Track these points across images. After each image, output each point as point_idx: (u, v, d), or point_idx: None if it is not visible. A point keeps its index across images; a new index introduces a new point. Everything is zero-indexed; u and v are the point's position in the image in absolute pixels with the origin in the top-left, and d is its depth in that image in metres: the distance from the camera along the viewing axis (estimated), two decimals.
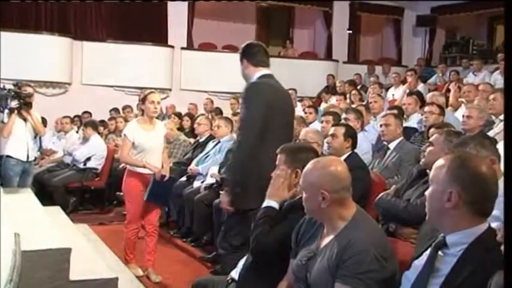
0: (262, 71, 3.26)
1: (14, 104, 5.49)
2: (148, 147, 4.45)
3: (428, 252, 1.74)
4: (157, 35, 11.26)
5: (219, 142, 6.13)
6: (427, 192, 1.76)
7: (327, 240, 2.12)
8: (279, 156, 2.66)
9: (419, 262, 1.76)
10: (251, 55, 3.28)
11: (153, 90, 4.65)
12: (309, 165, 2.20)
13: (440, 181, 1.70)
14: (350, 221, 2.08)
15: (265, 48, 3.37)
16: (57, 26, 10.63)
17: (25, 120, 5.64)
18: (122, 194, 4.96)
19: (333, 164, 2.16)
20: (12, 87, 5.65)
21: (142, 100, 4.47)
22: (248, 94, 3.17)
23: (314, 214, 2.20)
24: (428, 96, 6.51)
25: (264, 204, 2.58)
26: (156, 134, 4.51)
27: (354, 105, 7.80)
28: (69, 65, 10.52)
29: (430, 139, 3.26)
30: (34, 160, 7.69)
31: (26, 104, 5.56)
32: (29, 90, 5.78)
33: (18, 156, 5.63)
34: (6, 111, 5.52)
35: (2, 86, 5.73)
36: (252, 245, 2.53)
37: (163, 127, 4.72)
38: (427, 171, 3.06)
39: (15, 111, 5.51)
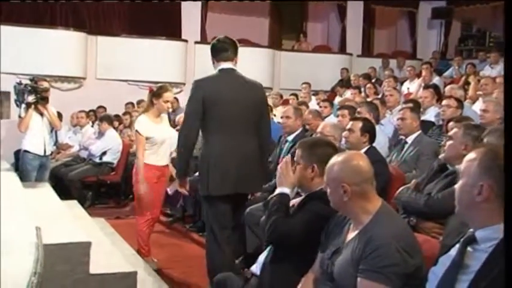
0: (222, 65, 3.50)
1: (31, 98, 5.52)
2: (161, 140, 4.50)
3: (456, 247, 1.71)
4: (171, 30, 11.26)
5: None
6: (457, 186, 1.73)
7: (352, 234, 2.12)
8: (296, 151, 2.68)
9: (447, 258, 1.73)
10: (214, 51, 3.54)
11: (167, 86, 4.63)
12: (331, 160, 2.22)
13: (471, 174, 1.67)
14: (374, 215, 2.07)
15: (231, 43, 3.54)
16: (72, 21, 10.68)
17: (41, 114, 5.69)
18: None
19: (354, 157, 2.18)
20: (28, 82, 5.70)
21: (157, 95, 4.47)
22: (190, 92, 3.54)
23: (339, 208, 2.21)
24: (446, 89, 6.45)
25: (277, 191, 2.59)
26: (163, 126, 4.55)
27: (369, 99, 7.77)
28: (84, 59, 10.56)
29: (450, 133, 3.23)
30: (50, 154, 7.87)
31: (42, 98, 5.60)
32: (45, 85, 5.83)
33: (35, 151, 5.69)
34: (23, 106, 5.57)
35: (18, 81, 5.79)
36: (268, 233, 2.53)
37: (167, 119, 4.76)
38: (448, 165, 3.04)
39: (32, 106, 5.54)
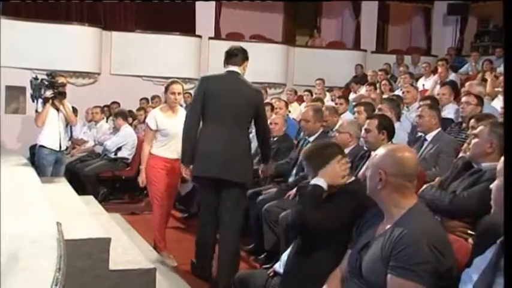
0: (229, 68, 3.98)
1: (48, 93, 5.52)
2: (173, 132, 4.53)
3: (492, 249, 1.67)
4: (185, 25, 11.24)
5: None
6: (493, 185, 1.69)
7: (383, 228, 2.09)
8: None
9: (483, 260, 1.69)
10: (226, 55, 4.02)
11: (176, 80, 4.79)
12: (379, 148, 2.22)
13: None
14: (407, 211, 2.04)
15: (242, 51, 4.03)
16: (87, 17, 10.72)
17: (58, 110, 5.69)
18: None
19: (401, 150, 2.16)
20: (44, 77, 5.71)
21: (165, 89, 4.66)
22: (196, 86, 4.12)
23: (372, 195, 2.19)
24: (466, 86, 6.37)
25: (313, 181, 2.55)
26: (179, 120, 4.50)
27: (384, 96, 7.71)
28: (99, 55, 10.60)
29: (475, 131, 3.17)
30: (66, 149, 7.91)
31: (60, 93, 5.60)
32: (62, 80, 5.85)
33: (51, 146, 5.70)
34: (40, 100, 5.58)
35: (34, 76, 5.80)
36: (294, 222, 2.53)
37: (183, 113, 4.70)
38: (473, 163, 2.99)
39: (50, 101, 5.55)
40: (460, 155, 3.43)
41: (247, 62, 4.01)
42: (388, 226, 2.06)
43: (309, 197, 2.49)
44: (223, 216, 3.99)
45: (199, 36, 11.32)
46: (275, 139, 5.55)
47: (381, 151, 2.17)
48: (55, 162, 5.77)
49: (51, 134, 5.69)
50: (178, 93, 4.61)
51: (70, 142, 8.48)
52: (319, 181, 2.52)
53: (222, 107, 3.86)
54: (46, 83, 5.56)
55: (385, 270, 1.94)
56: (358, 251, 2.15)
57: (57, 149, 5.75)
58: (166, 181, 4.63)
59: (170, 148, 4.61)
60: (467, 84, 6.50)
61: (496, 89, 6.78)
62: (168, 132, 4.59)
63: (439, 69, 8.83)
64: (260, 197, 4.74)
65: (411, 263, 1.88)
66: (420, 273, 1.86)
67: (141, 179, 4.71)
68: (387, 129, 3.92)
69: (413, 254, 1.88)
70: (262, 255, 4.56)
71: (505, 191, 1.48)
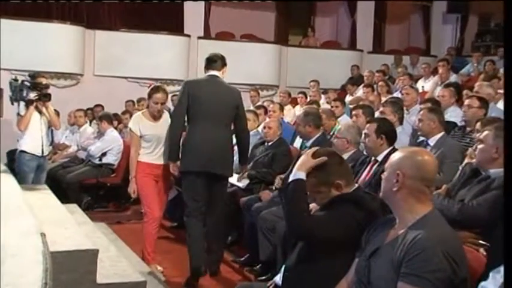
0: (210, 72, 4.51)
1: (33, 95, 5.48)
2: (157, 137, 4.58)
3: None
4: (173, 24, 11.25)
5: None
6: None
7: (394, 235, 2.08)
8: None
9: (500, 273, 1.68)
10: (206, 61, 4.54)
11: (159, 86, 4.78)
12: (401, 149, 2.24)
13: None
14: (422, 217, 2.04)
15: (221, 57, 4.56)
16: (69, 14, 10.66)
17: (40, 112, 5.64)
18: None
19: (421, 153, 2.17)
20: (25, 78, 5.66)
21: (148, 96, 4.65)
22: (180, 89, 4.62)
23: (386, 197, 2.19)
24: (476, 86, 6.39)
25: (292, 176, 2.45)
26: (163, 124, 4.60)
27: (383, 98, 7.73)
28: (81, 55, 10.54)
29: (480, 136, 3.17)
30: (47, 155, 7.84)
31: (45, 95, 5.55)
32: (44, 81, 5.79)
33: (32, 151, 5.63)
34: (23, 103, 5.52)
35: (14, 77, 5.74)
36: (290, 228, 2.51)
37: (168, 117, 4.73)
38: (481, 170, 3.00)
39: (34, 104, 5.50)
40: (466, 160, 3.43)
41: (226, 67, 4.57)
42: (401, 232, 2.05)
43: (296, 196, 2.40)
44: (215, 207, 4.48)
45: (188, 36, 11.30)
46: (270, 144, 5.54)
47: (400, 153, 2.18)
48: (37, 169, 5.70)
49: (33, 139, 5.62)
50: (162, 103, 4.62)
51: (51, 147, 8.48)
52: (298, 174, 2.43)
53: (206, 108, 4.37)
54: (28, 84, 5.51)
55: (396, 278, 1.93)
56: (367, 259, 2.14)
57: (39, 155, 5.69)
58: (151, 186, 4.64)
59: (156, 154, 4.63)
60: (476, 84, 6.51)
61: (499, 91, 6.82)
62: (151, 138, 4.61)
63: (440, 70, 8.86)
64: (255, 205, 4.71)
65: (425, 270, 1.86)
66: (434, 282, 1.85)
67: (132, 189, 4.67)
68: (386, 133, 3.92)
69: (428, 260, 1.87)
70: (257, 266, 4.54)
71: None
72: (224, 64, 4.56)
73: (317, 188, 2.50)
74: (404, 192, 2.08)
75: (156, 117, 4.64)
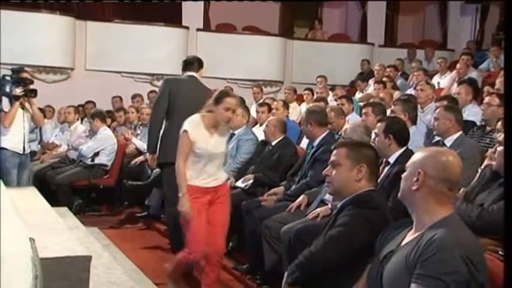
0: (188, 73, 5.23)
1: (19, 91, 5.57)
2: (209, 154, 4.05)
3: None
4: (170, 15, 11.26)
5: (233, 135, 6.07)
6: None
7: (410, 237, 2.10)
8: (336, 151, 2.73)
9: None
10: (184, 64, 5.26)
11: (229, 91, 4.70)
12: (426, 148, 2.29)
13: None
14: (439, 220, 2.05)
15: (198, 60, 5.31)
16: (58, 4, 10.64)
17: (23, 109, 5.75)
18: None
19: (446, 153, 2.20)
20: (8, 72, 5.77)
21: (217, 100, 4.03)
22: (160, 86, 5.30)
23: (404, 197, 2.20)
24: (497, 83, 6.39)
25: None
26: (221, 139, 4.15)
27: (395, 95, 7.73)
28: (72, 48, 10.56)
29: (500, 137, 3.18)
30: (31, 153, 7.73)
31: (31, 91, 5.64)
32: (27, 75, 5.94)
33: (14, 148, 5.75)
34: (6, 99, 5.60)
35: None
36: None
37: (226, 136, 4.39)
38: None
39: (20, 99, 5.57)
40: (486, 162, 3.43)
41: (202, 69, 5.26)
42: (417, 234, 2.07)
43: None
44: None
45: (187, 28, 11.31)
46: (274, 144, 5.53)
47: (422, 152, 2.21)
48: (18, 166, 5.81)
49: (15, 136, 5.73)
50: (234, 111, 4.12)
51: (40, 146, 8.52)
52: None
53: (185, 104, 4.82)
54: (10, 79, 5.60)
55: (409, 280, 1.94)
56: (380, 262, 2.15)
57: (21, 152, 5.80)
58: (204, 216, 4.05)
59: (206, 174, 4.08)
60: (497, 81, 6.51)
61: None
62: (203, 154, 4.03)
63: (458, 65, 8.76)
64: (257, 212, 4.71)
65: (440, 271, 1.87)
66: (449, 284, 1.85)
67: (185, 208, 3.97)
68: (395, 133, 3.90)
69: (444, 261, 1.87)
70: (260, 275, 4.55)
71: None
72: (201, 66, 5.25)
73: (342, 159, 2.70)
74: (424, 192, 2.10)
75: (217, 128, 4.10)
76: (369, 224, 2.43)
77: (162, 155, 4.99)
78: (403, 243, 2.12)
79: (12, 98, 5.56)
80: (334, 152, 2.75)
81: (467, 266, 1.87)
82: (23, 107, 5.73)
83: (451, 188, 2.12)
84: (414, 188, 2.11)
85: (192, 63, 5.25)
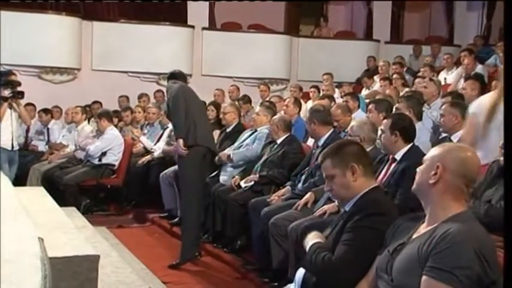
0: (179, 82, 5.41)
1: (7, 92, 5.95)
2: None
3: None
4: (176, 14, 11.27)
5: (255, 131, 6.12)
6: None
7: (422, 230, 2.10)
8: (323, 164, 2.71)
9: None
10: (170, 77, 5.50)
11: None
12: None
13: None
14: (453, 215, 2.05)
15: (181, 73, 5.60)
16: (64, 5, 10.67)
17: (10, 108, 6.12)
18: None
19: (465, 150, 2.20)
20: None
21: None
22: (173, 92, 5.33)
23: (419, 191, 2.20)
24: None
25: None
26: None
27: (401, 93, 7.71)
28: (78, 48, 10.58)
29: None
30: (39, 153, 8.21)
31: (19, 93, 6.05)
32: (15, 78, 6.26)
33: (4, 145, 6.15)
34: None
35: None
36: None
37: None
38: None
39: (8, 100, 5.97)
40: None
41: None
42: (430, 228, 2.07)
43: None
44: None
45: (192, 27, 11.31)
46: (278, 142, 5.52)
47: (441, 147, 2.22)
48: (8, 162, 6.18)
49: (4, 133, 6.09)
50: None
51: (47, 147, 8.56)
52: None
53: (199, 108, 5.42)
54: (1, 81, 5.91)
55: (420, 272, 1.94)
56: (390, 254, 2.16)
57: (9, 148, 6.21)
58: None
59: None
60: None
61: None
62: None
63: (466, 61, 8.72)
64: (264, 210, 4.72)
65: (453, 265, 1.87)
66: (461, 279, 1.85)
67: None
68: (401, 130, 3.89)
69: (457, 255, 1.88)
70: (268, 273, 4.56)
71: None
72: (185, 80, 5.66)
73: (332, 171, 2.63)
74: (442, 187, 2.10)
75: None
76: (377, 233, 2.41)
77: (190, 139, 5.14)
78: (415, 236, 2.13)
79: (1, 99, 5.87)
80: (322, 167, 2.72)
81: (481, 261, 1.88)
82: (11, 107, 6.13)
83: (468, 185, 2.13)
84: (432, 181, 2.11)
85: (178, 77, 5.47)
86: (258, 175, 5.36)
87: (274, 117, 5.93)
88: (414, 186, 2.23)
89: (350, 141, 2.95)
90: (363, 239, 2.44)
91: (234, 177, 5.65)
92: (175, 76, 5.50)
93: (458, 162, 2.12)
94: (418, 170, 2.23)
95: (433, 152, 2.21)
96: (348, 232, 2.51)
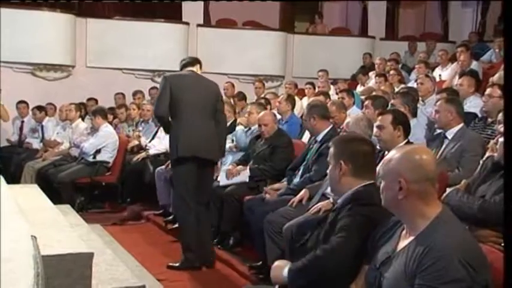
0: (188, 68, 5.03)
1: None
2: None
3: None
4: (171, 11, 11.21)
5: (249, 129, 6.10)
6: None
7: (405, 242, 2.08)
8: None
9: None
10: (183, 65, 5.09)
11: None
12: (391, 152, 2.19)
13: None
14: (432, 221, 2.03)
15: (193, 58, 5.28)
16: (59, 2, 10.62)
17: None
18: None
19: (417, 151, 2.15)
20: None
21: None
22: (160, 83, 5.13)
23: (390, 207, 2.18)
24: (496, 76, 6.38)
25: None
26: None
27: (396, 89, 7.72)
28: (73, 45, 10.53)
29: (501, 128, 3.17)
30: (34, 151, 8.24)
31: None
32: None
33: None
34: None
35: None
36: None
37: None
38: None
39: None
40: (488, 154, 3.42)
41: (201, 66, 5.11)
42: (411, 239, 2.05)
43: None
44: (206, 193, 5.02)
45: (187, 24, 11.27)
46: (268, 136, 5.50)
47: (394, 155, 2.15)
48: None
49: None
50: None
51: (42, 144, 8.54)
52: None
53: (189, 98, 4.83)
54: None
55: None
56: (377, 268, 2.14)
57: None
58: None
59: None
60: (496, 75, 6.49)
61: None
62: None
63: (462, 57, 8.70)
64: (259, 209, 4.71)
65: (441, 281, 1.86)
66: None
67: None
68: (403, 125, 3.93)
69: (443, 270, 1.87)
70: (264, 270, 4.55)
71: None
72: (200, 63, 5.13)
73: (329, 159, 2.70)
74: (412, 198, 2.07)
75: None
76: (370, 220, 2.41)
77: (182, 149, 4.79)
78: (399, 247, 2.11)
79: None
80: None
81: (467, 269, 1.87)
82: None
83: (434, 184, 2.10)
84: (400, 197, 2.08)
85: (191, 62, 5.10)
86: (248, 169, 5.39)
87: (262, 113, 5.86)
88: (384, 203, 2.19)
89: (360, 139, 2.84)
90: (355, 225, 2.45)
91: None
92: (185, 65, 5.11)
93: (416, 169, 2.07)
94: (381, 187, 2.19)
95: (387, 166, 2.15)
96: (341, 222, 2.52)
